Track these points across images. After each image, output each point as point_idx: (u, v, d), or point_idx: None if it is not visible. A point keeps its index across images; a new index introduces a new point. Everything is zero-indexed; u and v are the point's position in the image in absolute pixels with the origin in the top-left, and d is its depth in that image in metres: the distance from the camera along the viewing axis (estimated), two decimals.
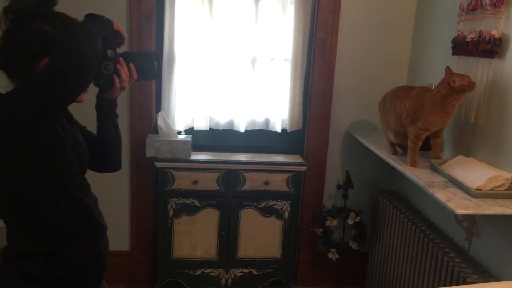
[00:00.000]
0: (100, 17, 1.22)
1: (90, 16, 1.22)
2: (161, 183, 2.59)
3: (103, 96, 1.42)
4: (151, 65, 1.37)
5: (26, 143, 1.14)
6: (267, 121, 2.76)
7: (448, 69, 1.97)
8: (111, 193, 2.69)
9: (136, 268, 2.78)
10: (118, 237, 2.75)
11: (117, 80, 1.32)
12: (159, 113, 2.59)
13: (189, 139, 2.58)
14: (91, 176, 2.61)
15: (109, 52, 1.28)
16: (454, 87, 1.87)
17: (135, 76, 1.35)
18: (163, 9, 2.52)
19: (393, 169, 2.43)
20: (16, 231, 1.29)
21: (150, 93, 2.60)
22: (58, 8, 1.25)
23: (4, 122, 1.10)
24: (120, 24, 2.25)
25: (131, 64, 1.33)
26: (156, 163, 2.56)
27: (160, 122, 2.56)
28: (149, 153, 2.55)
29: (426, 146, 2.15)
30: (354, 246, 2.69)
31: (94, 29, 1.18)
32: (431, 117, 1.95)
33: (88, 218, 1.36)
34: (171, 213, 2.62)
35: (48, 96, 1.10)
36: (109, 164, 1.52)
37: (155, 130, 2.63)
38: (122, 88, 1.35)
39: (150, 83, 2.57)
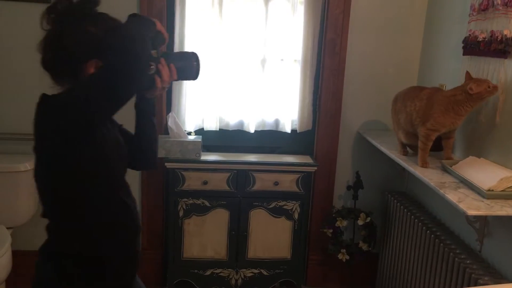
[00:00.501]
0: (144, 17, 1.24)
1: (133, 17, 1.23)
2: (171, 183, 2.60)
3: (142, 96, 1.44)
4: (190, 66, 1.39)
5: (79, 145, 1.17)
6: (277, 122, 2.76)
7: (467, 74, 1.93)
8: None
9: (146, 268, 2.79)
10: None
11: (158, 80, 1.33)
12: (170, 114, 2.61)
13: (199, 140, 2.60)
14: None
15: (152, 53, 1.31)
16: (472, 95, 1.85)
17: (175, 77, 1.36)
18: (173, 10, 2.54)
19: (403, 170, 2.42)
20: (58, 229, 1.30)
21: (161, 94, 2.62)
22: None
23: (61, 124, 1.13)
24: None
25: (171, 65, 1.35)
26: (166, 164, 2.58)
27: (170, 123, 2.57)
28: (160, 153, 2.56)
29: (438, 147, 2.15)
30: (364, 247, 2.68)
31: (145, 30, 1.20)
32: (440, 118, 1.94)
33: (128, 218, 1.38)
34: (181, 213, 2.63)
35: (107, 98, 1.12)
36: (146, 162, 1.53)
37: (166, 131, 2.65)
38: (163, 88, 1.37)
39: None
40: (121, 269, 1.37)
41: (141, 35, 1.17)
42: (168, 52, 1.34)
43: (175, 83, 2.60)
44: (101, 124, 1.23)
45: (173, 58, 1.37)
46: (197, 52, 1.42)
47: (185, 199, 2.62)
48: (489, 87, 1.83)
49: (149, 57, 1.22)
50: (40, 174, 1.24)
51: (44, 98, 1.20)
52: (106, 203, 1.30)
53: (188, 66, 1.39)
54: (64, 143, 1.16)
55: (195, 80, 1.42)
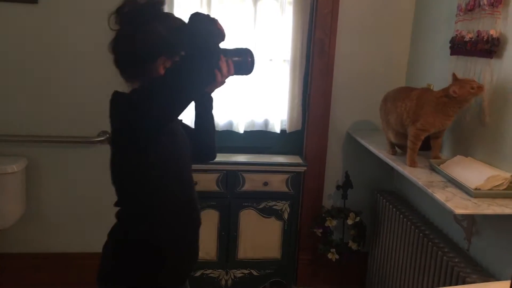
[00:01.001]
0: (205, 15, 1.28)
1: (196, 16, 1.27)
2: None
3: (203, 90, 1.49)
4: (245, 62, 1.43)
5: (151, 139, 1.26)
6: (266, 122, 2.76)
7: (453, 75, 1.94)
8: (109, 194, 2.68)
9: None
10: None
11: (219, 75, 1.38)
12: None
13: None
14: (88, 176, 2.60)
15: None
16: (456, 97, 1.86)
17: (232, 72, 1.41)
18: None
19: (392, 169, 2.43)
20: (127, 216, 1.40)
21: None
22: None
23: (135, 120, 1.22)
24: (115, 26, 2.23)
25: (229, 60, 1.40)
26: None
27: None
28: None
29: (426, 146, 2.16)
30: (353, 246, 2.69)
31: (210, 28, 1.26)
32: (430, 118, 1.95)
33: (193, 210, 1.46)
34: None
35: (182, 93, 1.20)
36: (207, 154, 1.63)
37: None
38: (222, 83, 1.43)
39: None
40: (180, 263, 1.43)
41: (210, 32, 1.24)
42: (225, 48, 1.39)
43: None
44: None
45: (230, 53, 1.42)
46: (249, 48, 1.46)
47: None
48: (472, 88, 1.83)
49: (219, 53, 1.32)
50: (116, 165, 1.35)
51: (116, 95, 1.32)
52: (175, 193, 1.39)
53: (244, 61, 1.43)
54: (137, 137, 1.24)
55: (248, 75, 1.47)
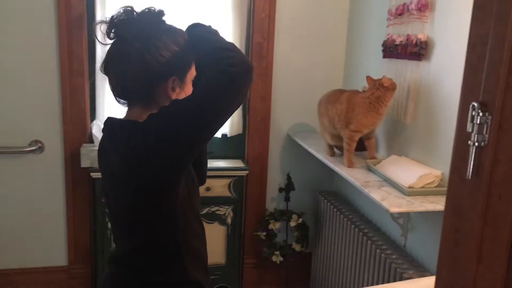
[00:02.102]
0: (208, 27, 1.22)
1: (198, 27, 1.21)
2: (98, 194, 2.50)
3: None
4: None
5: (180, 171, 1.12)
6: None
7: (368, 78, 2.05)
8: (45, 206, 2.57)
9: (75, 283, 2.67)
10: (55, 252, 2.64)
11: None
12: (94, 121, 2.51)
13: None
14: (22, 188, 2.48)
15: None
16: (387, 87, 1.95)
17: None
18: (94, 13, 2.44)
19: (333, 170, 2.48)
20: (149, 260, 1.21)
21: (84, 101, 2.51)
22: None
23: (166, 152, 1.08)
24: (48, 30, 2.17)
25: None
26: (92, 174, 2.47)
27: (95, 131, 2.47)
28: (85, 163, 2.45)
29: (363, 147, 2.22)
30: (297, 247, 2.72)
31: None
32: (363, 119, 2.01)
33: (201, 244, 1.32)
34: (110, 224, 2.53)
35: (218, 115, 1.08)
36: (201, 178, 1.40)
37: (90, 139, 2.54)
38: None
39: (83, 92, 2.48)
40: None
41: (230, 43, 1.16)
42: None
43: (99, 90, 2.51)
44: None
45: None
46: None
47: None
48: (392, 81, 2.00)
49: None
50: (136, 208, 1.16)
51: (133, 125, 1.12)
52: (195, 222, 1.26)
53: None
54: (169, 166, 1.09)
55: None
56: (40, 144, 2.47)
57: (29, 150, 2.45)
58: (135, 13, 1.15)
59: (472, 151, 0.63)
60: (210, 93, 1.07)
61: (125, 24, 1.13)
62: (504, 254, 0.61)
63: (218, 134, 2.72)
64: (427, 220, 1.91)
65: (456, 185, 0.68)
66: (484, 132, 0.62)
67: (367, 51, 2.51)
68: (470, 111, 0.64)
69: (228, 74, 1.07)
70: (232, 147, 2.83)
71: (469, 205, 0.65)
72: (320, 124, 2.32)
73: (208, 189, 2.61)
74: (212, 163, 2.71)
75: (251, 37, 2.66)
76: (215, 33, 1.21)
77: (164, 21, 1.18)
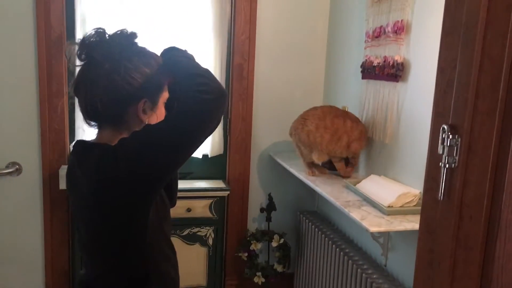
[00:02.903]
0: (184, 51, 1.22)
1: (174, 50, 1.21)
2: None
3: None
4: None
5: (151, 192, 1.11)
6: None
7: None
8: (22, 229, 2.52)
9: None
10: (32, 276, 2.57)
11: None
12: (73, 143, 2.48)
13: None
14: (2, 209, 2.40)
15: None
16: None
17: None
18: (74, 34, 2.43)
19: (314, 190, 2.49)
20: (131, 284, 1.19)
21: (63, 123, 2.49)
22: None
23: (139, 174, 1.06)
24: (28, 51, 2.16)
25: None
26: None
27: None
28: (63, 185, 2.42)
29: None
30: (279, 268, 2.70)
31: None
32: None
33: (173, 267, 1.31)
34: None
35: (195, 136, 1.08)
36: (171, 200, 1.39)
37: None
38: None
39: (63, 113, 2.46)
40: None
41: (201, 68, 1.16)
42: None
43: (78, 111, 2.49)
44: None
45: None
46: None
47: None
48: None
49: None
50: (104, 232, 1.13)
51: (104, 149, 1.10)
52: (166, 242, 1.26)
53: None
54: (136, 196, 1.08)
55: None
56: (17, 166, 2.43)
57: (6, 172, 2.41)
58: (106, 35, 1.14)
59: (443, 172, 0.65)
60: (183, 120, 1.06)
61: (96, 46, 1.12)
62: (477, 274, 0.62)
63: (199, 155, 2.72)
64: (407, 239, 1.93)
65: (429, 206, 0.69)
66: (454, 154, 0.64)
67: (346, 72, 2.55)
68: (440, 134, 0.65)
69: (202, 100, 1.07)
70: (213, 167, 2.82)
71: (442, 226, 0.66)
72: (304, 144, 2.29)
73: (189, 210, 2.60)
74: (193, 184, 2.69)
75: (231, 58, 2.68)
76: (191, 58, 1.20)
77: (136, 43, 1.16)
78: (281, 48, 2.74)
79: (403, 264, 1.96)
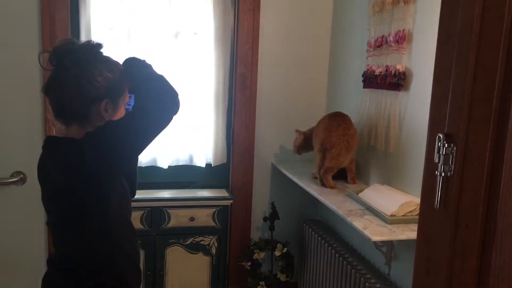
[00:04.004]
0: (143, 61, 1.41)
1: (133, 60, 1.40)
2: None
3: None
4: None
5: (115, 181, 1.32)
6: (190, 157, 2.73)
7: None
8: (26, 238, 2.53)
9: None
10: (35, 285, 2.57)
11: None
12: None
13: None
14: (3, 220, 2.41)
15: None
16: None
17: None
18: None
19: (317, 199, 2.49)
20: (99, 267, 1.36)
21: None
22: None
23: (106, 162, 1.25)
24: (32, 60, 2.17)
25: None
26: None
27: None
28: None
29: (346, 175, 2.26)
30: (282, 277, 2.69)
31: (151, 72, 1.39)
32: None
33: (134, 249, 1.47)
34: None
35: (151, 129, 1.29)
36: (131, 190, 1.54)
37: None
38: None
39: None
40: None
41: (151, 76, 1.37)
42: None
43: None
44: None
45: None
46: None
47: None
48: None
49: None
50: (74, 220, 1.32)
51: (71, 142, 1.27)
52: (128, 227, 1.44)
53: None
54: (103, 180, 1.26)
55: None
56: (22, 175, 2.44)
57: (11, 181, 2.42)
58: (75, 45, 1.31)
59: (439, 181, 0.65)
60: (140, 116, 1.28)
61: (65, 53, 1.28)
62: (473, 282, 0.62)
63: (202, 164, 2.72)
64: (410, 248, 1.92)
65: (426, 215, 0.69)
66: (450, 163, 0.64)
67: (348, 81, 2.56)
68: (436, 142, 0.66)
69: (156, 100, 1.29)
70: (216, 176, 2.83)
71: (439, 235, 0.67)
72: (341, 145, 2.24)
73: (192, 219, 2.60)
74: (196, 193, 2.70)
75: (234, 67, 2.70)
76: (149, 66, 1.40)
77: (101, 53, 1.35)
78: (284, 58, 2.75)
79: (406, 273, 1.96)
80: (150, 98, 1.30)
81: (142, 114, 1.28)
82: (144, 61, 1.40)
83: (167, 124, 1.33)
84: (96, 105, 1.30)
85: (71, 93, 1.27)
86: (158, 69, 1.41)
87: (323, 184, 2.22)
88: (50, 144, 1.36)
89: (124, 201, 1.40)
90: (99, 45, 1.34)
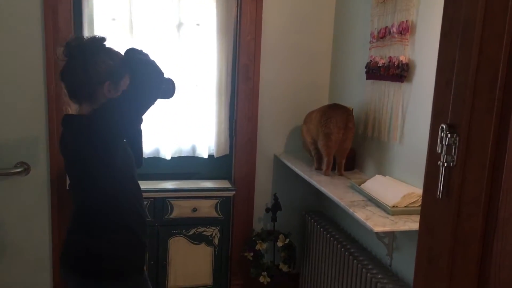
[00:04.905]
0: (140, 50, 1.61)
1: (132, 50, 1.60)
2: None
3: None
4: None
5: (118, 150, 1.57)
6: (193, 148, 2.74)
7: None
8: (30, 228, 2.55)
9: None
10: (40, 275, 2.60)
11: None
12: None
13: None
14: (7, 210, 2.45)
15: None
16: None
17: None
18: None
19: (319, 190, 2.50)
20: (111, 217, 1.65)
21: None
22: None
23: (105, 136, 1.51)
24: (36, 53, 2.20)
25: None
26: None
27: None
28: None
29: (349, 166, 2.27)
30: (284, 268, 2.71)
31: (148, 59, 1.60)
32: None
33: (138, 202, 1.74)
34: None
35: (141, 105, 1.55)
36: (138, 162, 1.81)
37: None
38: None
39: None
40: (145, 246, 1.76)
41: (147, 62, 1.59)
42: None
43: None
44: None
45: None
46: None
47: None
48: None
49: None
50: (89, 180, 1.59)
51: (81, 118, 1.58)
52: (134, 186, 1.72)
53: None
54: (109, 148, 1.52)
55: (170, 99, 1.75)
56: (26, 166, 2.46)
57: (14, 172, 2.44)
58: (83, 39, 1.60)
59: (442, 171, 0.66)
60: (133, 90, 1.53)
61: (76, 46, 1.57)
62: (475, 271, 0.63)
63: (205, 155, 2.73)
64: (412, 239, 1.93)
65: (428, 205, 0.70)
66: (453, 153, 0.65)
67: (351, 72, 2.55)
68: (439, 133, 0.66)
69: (145, 78, 1.55)
70: (218, 167, 2.84)
71: (441, 224, 0.67)
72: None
73: (194, 209, 2.62)
74: (199, 184, 2.71)
75: (237, 59, 2.70)
76: (145, 54, 1.61)
77: (104, 44, 1.61)
78: (286, 49, 2.75)
79: (408, 264, 1.97)
80: (141, 76, 1.55)
81: (134, 89, 1.53)
82: (141, 51, 1.62)
83: (155, 97, 1.59)
84: (100, 86, 1.56)
85: (80, 78, 1.55)
86: (153, 56, 1.61)
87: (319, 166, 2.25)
88: (66, 120, 1.63)
89: (127, 163, 1.67)
90: (103, 39, 1.61)
